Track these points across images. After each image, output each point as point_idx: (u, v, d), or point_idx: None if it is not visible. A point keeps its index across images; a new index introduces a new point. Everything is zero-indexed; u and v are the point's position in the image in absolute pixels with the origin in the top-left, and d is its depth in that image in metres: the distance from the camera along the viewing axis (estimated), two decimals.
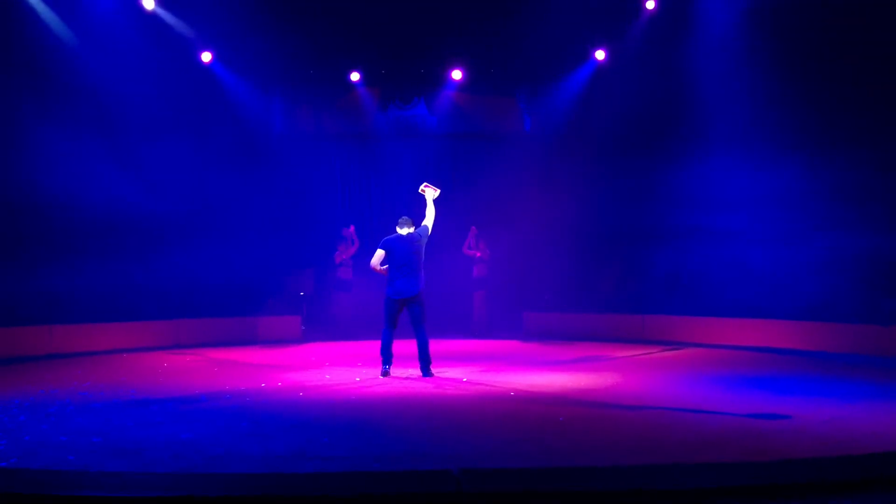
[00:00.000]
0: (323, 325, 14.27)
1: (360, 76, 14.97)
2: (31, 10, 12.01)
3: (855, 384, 8.01)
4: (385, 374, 8.62)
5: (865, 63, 11.49)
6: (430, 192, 9.00)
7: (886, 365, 9.45)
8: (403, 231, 8.74)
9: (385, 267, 8.65)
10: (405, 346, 9.55)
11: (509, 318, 14.36)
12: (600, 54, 14.23)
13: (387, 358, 8.70)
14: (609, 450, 5.24)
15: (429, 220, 8.92)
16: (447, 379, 8.53)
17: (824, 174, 11.51)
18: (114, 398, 7.32)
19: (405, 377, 8.62)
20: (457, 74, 14.78)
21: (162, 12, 12.87)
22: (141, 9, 12.62)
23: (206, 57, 13.96)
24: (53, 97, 12.37)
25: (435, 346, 8.90)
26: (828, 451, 5.09)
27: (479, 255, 13.87)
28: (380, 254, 8.68)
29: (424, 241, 8.76)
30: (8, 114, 12.00)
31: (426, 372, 8.63)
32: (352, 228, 13.96)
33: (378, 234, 8.97)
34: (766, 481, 3.12)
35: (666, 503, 2.88)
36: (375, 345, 9.13)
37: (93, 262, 12.14)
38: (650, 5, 13.25)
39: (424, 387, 8.01)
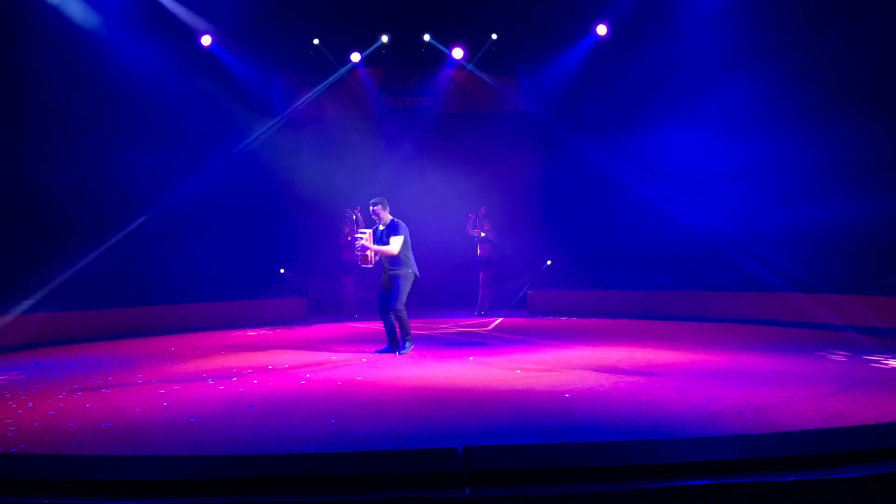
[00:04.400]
0: (328, 306, 14.32)
1: (361, 57, 14.89)
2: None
3: (864, 355, 8.00)
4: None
5: (857, 39, 11.39)
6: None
7: (893, 336, 9.42)
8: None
9: None
10: (416, 326, 9.58)
11: (514, 296, 14.38)
12: (602, 29, 14.12)
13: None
14: (615, 426, 5.24)
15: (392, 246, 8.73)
16: (454, 358, 8.55)
17: (837, 145, 11.42)
18: (121, 383, 7.35)
19: (411, 356, 8.64)
20: (458, 53, 14.69)
21: None
22: None
23: (206, 40, 13.90)
24: (53, 83, 12.32)
25: (442, 324, 8.91)
26: (837, 422, 5.09)
27: (482, 234, 13.87)
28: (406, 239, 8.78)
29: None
30: (8, 107, 11.96)
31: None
32: (358, 210, 13.95)
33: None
34: (775, 453, 3.10)
35: (674, 477, 2.86)
36: (381, 325, 9.17)
37: (98, 248, 12.17)
38: None
39: (431, 366, 8.02)
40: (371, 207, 8.75)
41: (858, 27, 11.19)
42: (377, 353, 8.87)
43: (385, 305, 8.75)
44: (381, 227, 8.76)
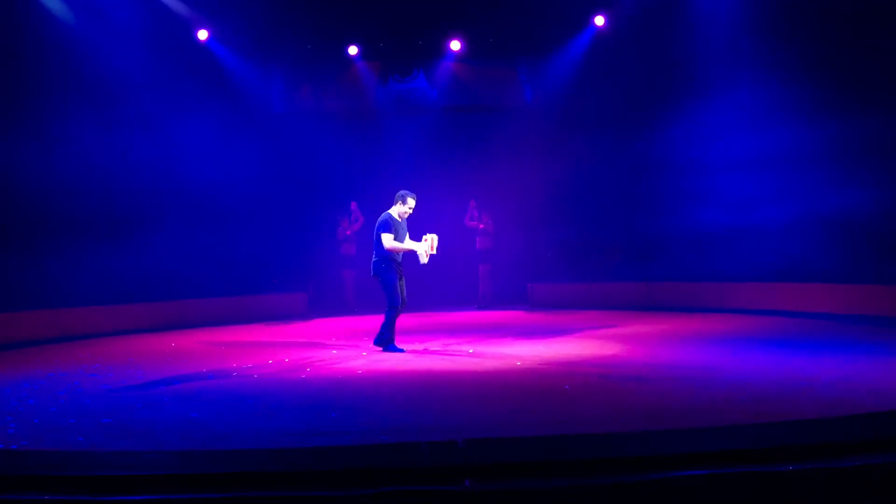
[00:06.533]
0: (328, 300, 14.32)
1: (359, 50, 14.85)
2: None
3: (862, 345, 8.01)
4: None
5: (861, 27, 11.37)
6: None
7: (894, 325, 9.44)
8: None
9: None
10: (416, 320, 9.59)
11: (514, 289, 14.39)
12: (600, 20, 14.05)
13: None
14: (615, 418, 5.26)
15: (405, 244, 8.62)
16: (453, 351, 8.57)
17: (833, 135, 11.41)
18: (122, 379, 7.35)
19: (412, 350, 8.65)
20: (455, 45, 14.64)
21: None
22: None
23: (203, 35, 13.84)
24: (50, 79, 12.28)
25: (441, 318, 8.92)
26: (835, 411, 5.10)
27: (481, 226, 13.87)
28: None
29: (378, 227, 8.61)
30: (5, 99, 11.93)
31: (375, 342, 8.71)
32: (353, 205, 13.95)
33: (380, 209, 8.91)
34: (771, 443, 3.12)
35: (674, 468, 2.88)
36: (380, 319, 9.16)
37: (97, 245, 12.15)
38: None
39: (430, 359, 8.03)
40: (413, 202, 8.59)
41: (866, 20, 11.17)
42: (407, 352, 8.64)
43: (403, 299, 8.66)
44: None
